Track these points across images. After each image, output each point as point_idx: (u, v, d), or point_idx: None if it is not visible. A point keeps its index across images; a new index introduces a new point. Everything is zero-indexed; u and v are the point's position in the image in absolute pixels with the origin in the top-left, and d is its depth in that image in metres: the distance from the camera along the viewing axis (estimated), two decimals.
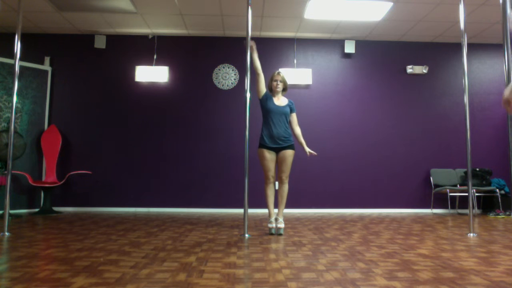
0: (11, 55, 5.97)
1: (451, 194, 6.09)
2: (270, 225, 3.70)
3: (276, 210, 3.87)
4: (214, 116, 6.19)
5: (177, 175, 6.06)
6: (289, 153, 3.74)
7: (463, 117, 6.37)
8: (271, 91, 3.90)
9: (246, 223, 3.54)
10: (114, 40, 6.27)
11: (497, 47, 6.52)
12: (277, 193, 4.09)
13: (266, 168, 3.72)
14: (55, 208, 5.86)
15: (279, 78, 3.85)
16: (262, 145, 3.75)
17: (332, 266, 2.33)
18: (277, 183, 3.89)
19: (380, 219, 5.02)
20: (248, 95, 3.72)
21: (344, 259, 2.55)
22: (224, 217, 5.21)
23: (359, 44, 6.42)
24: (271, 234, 3.69)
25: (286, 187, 3.79)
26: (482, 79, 6.46)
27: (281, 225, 3.72)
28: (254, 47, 3.79)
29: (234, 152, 6.11)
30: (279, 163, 3.77)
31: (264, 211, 5.89)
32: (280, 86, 3.84)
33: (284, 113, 3.78)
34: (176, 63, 6.27)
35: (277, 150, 3.75)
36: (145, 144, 6.11)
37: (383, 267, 2.33)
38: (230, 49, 6.31)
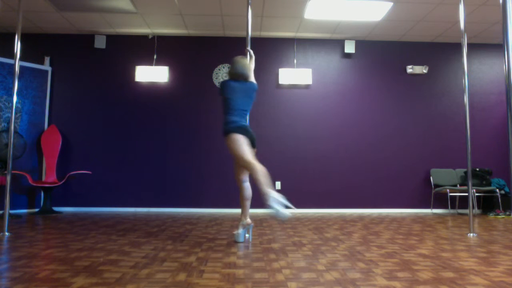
0: (11, 55, 5.97)
1: (451, 194, 6.09)
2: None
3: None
4: (214, 116, 6.18)
5: (177, 175, 6.06)
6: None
7: (463, 117, 6.37)
8: None
9: None
10: (114, 40, 6.27)
11: (497, 47, 6.52)
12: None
13: None
14: (55, 208, 5.86)
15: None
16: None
17: (332, 266, 2.33)
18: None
19: (380, 219, 5.02)
20: None
21: (344, 259, 2.55)
22: (224, 217, 5.21)
23: (359, 44, 6.42)
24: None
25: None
26: (482, 79, 6.46)
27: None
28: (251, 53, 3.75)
29: None
30: None
31: (264, 211, 5.89)
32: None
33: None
34: (176, 63, 6.27)
35: None
36: (145, 144, 6.11)
37: (383, 267, 2.33)
38: (230, 49, 6.31)
